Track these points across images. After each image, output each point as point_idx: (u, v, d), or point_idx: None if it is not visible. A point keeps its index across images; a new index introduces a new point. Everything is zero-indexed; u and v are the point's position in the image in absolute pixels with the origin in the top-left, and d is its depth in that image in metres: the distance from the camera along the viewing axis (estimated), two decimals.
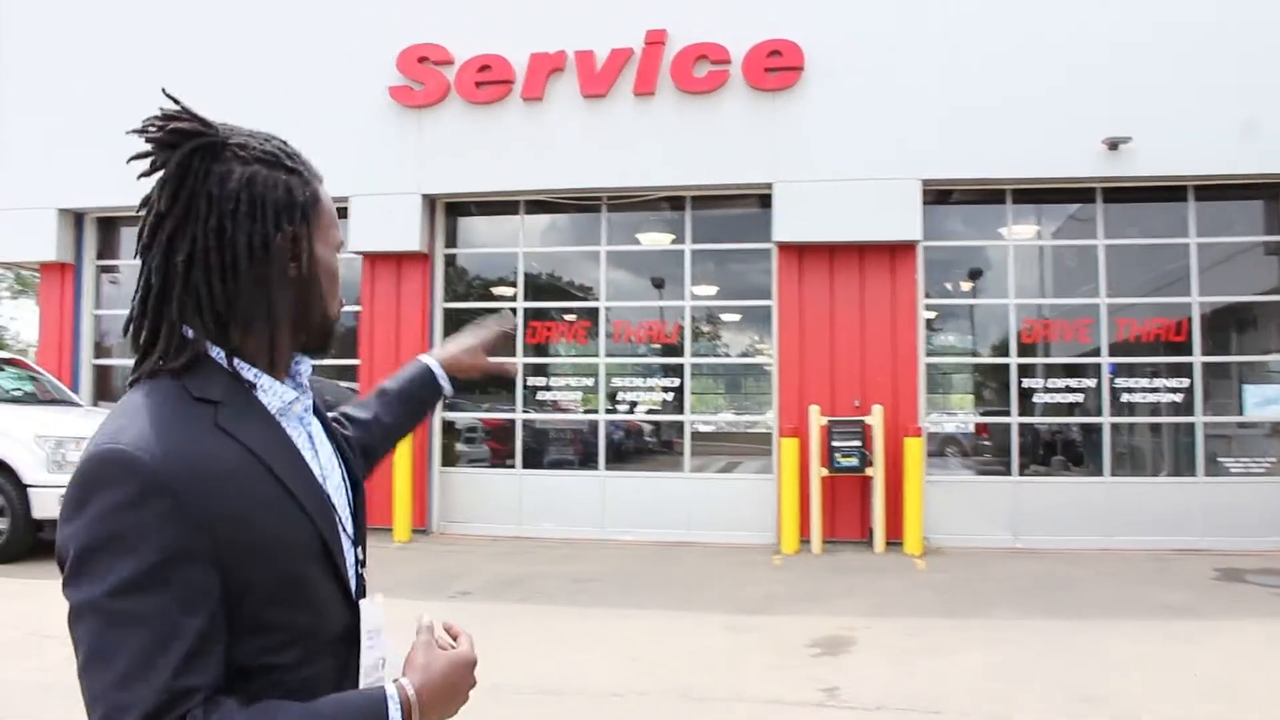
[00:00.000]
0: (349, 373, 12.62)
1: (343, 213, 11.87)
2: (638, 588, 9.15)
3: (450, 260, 12.83)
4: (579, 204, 12.33)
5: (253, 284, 1.34)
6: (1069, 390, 11.60)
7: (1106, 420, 11.39)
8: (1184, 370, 11.37)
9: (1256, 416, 11.35)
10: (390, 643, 1.48)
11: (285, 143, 1.42)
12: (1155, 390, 11.46)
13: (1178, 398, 11.39)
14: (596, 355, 12.39)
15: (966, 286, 12.20)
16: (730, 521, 11.62)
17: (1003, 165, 11.14)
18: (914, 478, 10.79)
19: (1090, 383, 11.53)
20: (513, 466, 12.37)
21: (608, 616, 7.78)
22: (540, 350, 12.81)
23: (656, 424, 12.61)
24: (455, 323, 12.46)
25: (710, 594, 8.84)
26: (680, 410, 12.26)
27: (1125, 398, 11.47)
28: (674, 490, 11.90)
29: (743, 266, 12.44)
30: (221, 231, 1.31)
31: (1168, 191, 11.44)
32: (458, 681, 1.36)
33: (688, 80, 11.46)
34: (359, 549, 1.47)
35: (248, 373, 1.35)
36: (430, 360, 2.03)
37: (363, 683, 1.40)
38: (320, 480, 1.40)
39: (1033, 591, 8.94)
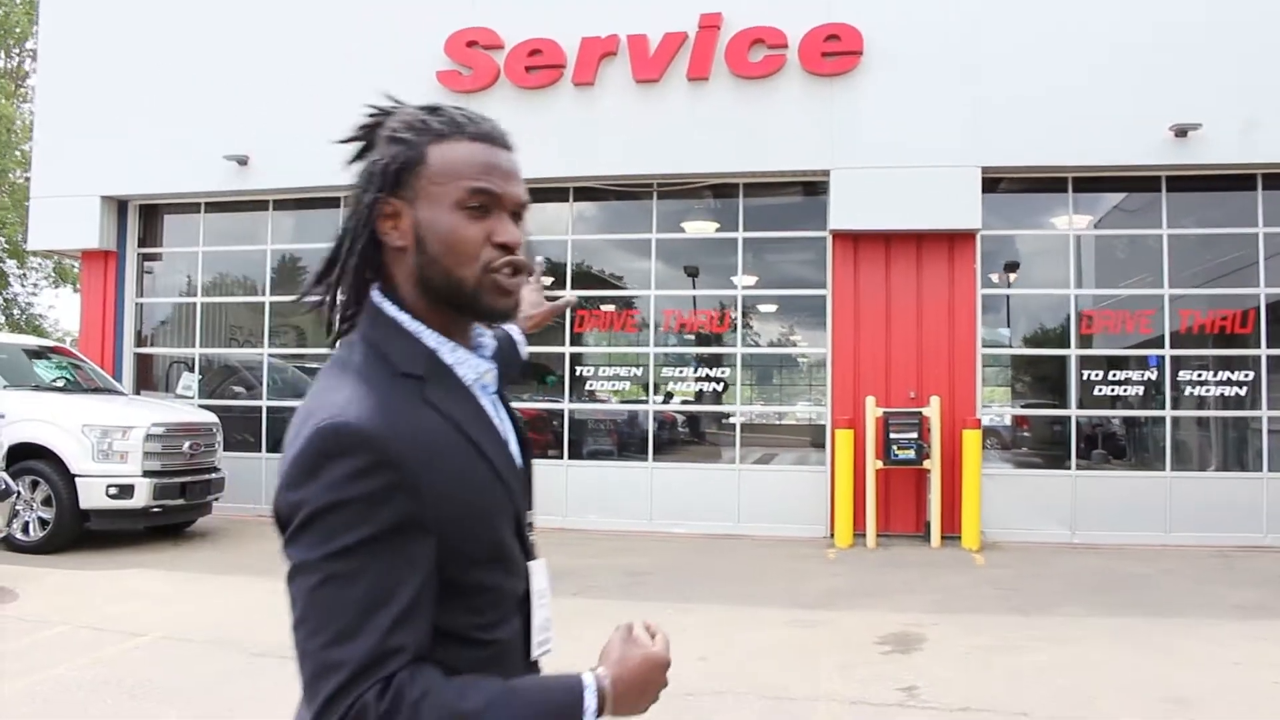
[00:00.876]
0: None
1: None
2: (693, 581, 8.99)
3: None
4: (629, 191, 12.14)
5: (388, 255, 1.41)
6: (1130, 383, 11.38)
7: (1168, 414, 11.15)
8: (1248, 363, 11.10)
9: None
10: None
11: (420, 110, 1.42)
12: (1218, 383, 11.19)
13: (1241, 391, 11.12)
14: (645, 345, 12.22)
15: (1025, 276, 11.93)
16: (781, 514, 11.43)
17: (1066, 153, 10.91)
18: (972, 470, 10.58)
19: (1151, 375, 11.28)
20: (558, 457, 12.21)
21: (668, 611, 7.61)
22: (587, 340, 12.65)
23: (705, 414, 12.44)
24: None
25: (769, 588, 8.68)
26: (730, 401, 12.08)
27: (1187, 391, 11.22)
28: (723, 482, 11.72)
29: (795, 255, 12.25)
30: (349, 213, 1.43)
31: (1234, 180, 11.15)
32: (650, 678, 1.38)
33: (743, 65, 11.24)
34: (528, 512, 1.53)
35: (445, 346, 1.40)
36: (509, 325, 2.00)
37: (535, 638, 1.46)
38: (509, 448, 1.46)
39: (1098, 588, 8.76)
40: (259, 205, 13.12)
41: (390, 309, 1.39)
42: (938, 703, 5.49)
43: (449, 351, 1.40)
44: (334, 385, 1.32)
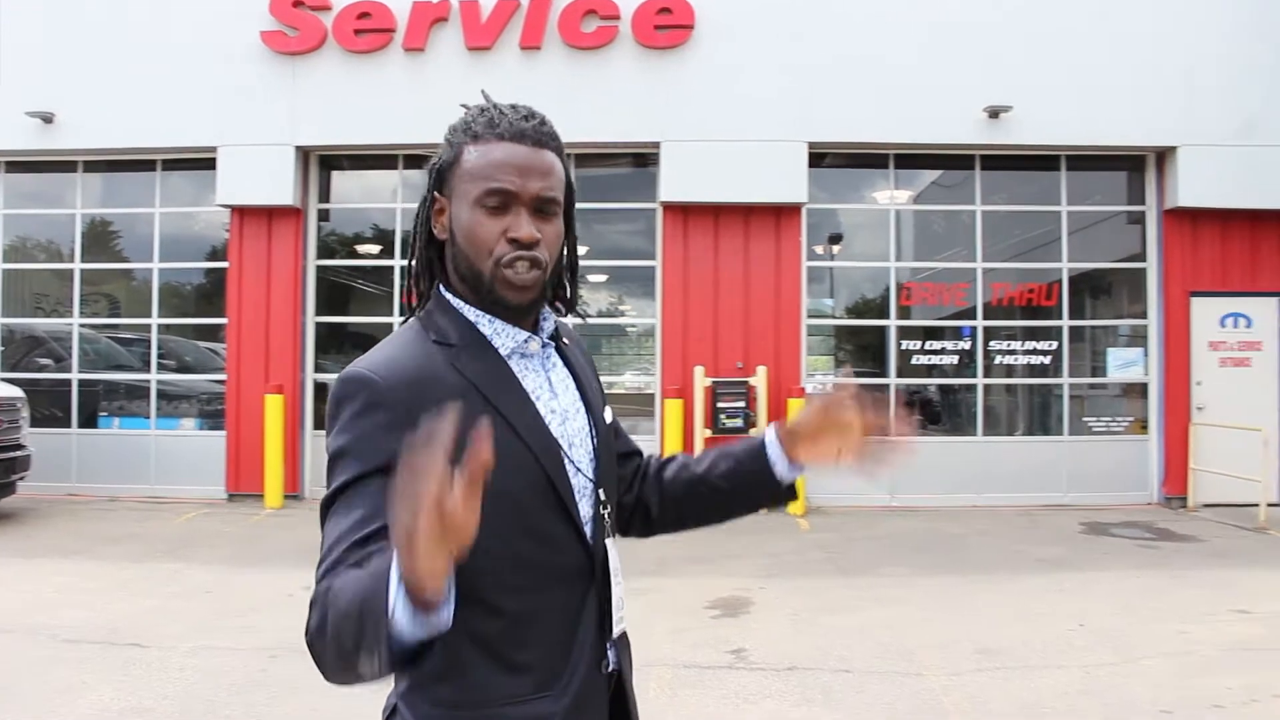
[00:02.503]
0: (216, 332, 12.07)
1: (210, 163, 11.31)
2: None
3: (323, 215, 12.31)
4: None
5: (440, 246, 1.58)
6: (945, 352, 11.88)
7: (980, 382, 11.74)
8: (1052, 333, 11.77)
9: (1117, 378, 11.83)
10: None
11: (477, 111, 1.53)
12: (1025, 352, 11.83)
13: (1046, 360, 11.78)
14: None
15: (848, 249, 12.31)
16: None
17: (888, 130, 11.28)
18: None
19: (965, 345, 11.83)
20: None
21: None
22: (413, 314, 12.40)
23: None
24: (328, 282, 12.03)
25: None
26: None
27: (997, 359, 11.82)
28: None
29: (626, 226, 12.30)
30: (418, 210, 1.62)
31: (1041, 160, 11.76)
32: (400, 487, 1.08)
33: (576, 35, 11.20)
34: (600, 490, 1.56)
35: (483, 319, 1.53)
36: (770, 429, 1.75)
37: (615, 615, 1.58)
38: (560, 417, 1.53)
39: (916, 549, 9.16)
40: (67, 166, 12.37)
41: (443, 291, 1.56)
42: (764, 663, 5.67)
43: (487, 323, 1.52)
44: (373, 349, 1.49)
